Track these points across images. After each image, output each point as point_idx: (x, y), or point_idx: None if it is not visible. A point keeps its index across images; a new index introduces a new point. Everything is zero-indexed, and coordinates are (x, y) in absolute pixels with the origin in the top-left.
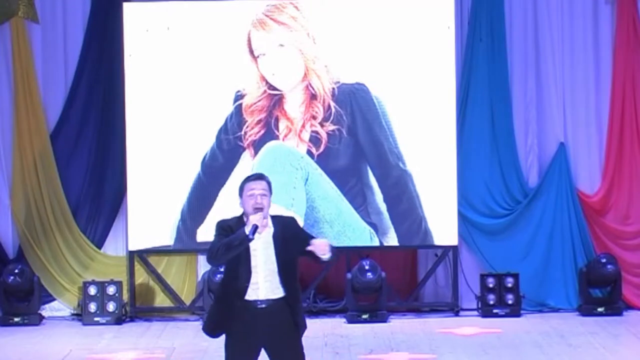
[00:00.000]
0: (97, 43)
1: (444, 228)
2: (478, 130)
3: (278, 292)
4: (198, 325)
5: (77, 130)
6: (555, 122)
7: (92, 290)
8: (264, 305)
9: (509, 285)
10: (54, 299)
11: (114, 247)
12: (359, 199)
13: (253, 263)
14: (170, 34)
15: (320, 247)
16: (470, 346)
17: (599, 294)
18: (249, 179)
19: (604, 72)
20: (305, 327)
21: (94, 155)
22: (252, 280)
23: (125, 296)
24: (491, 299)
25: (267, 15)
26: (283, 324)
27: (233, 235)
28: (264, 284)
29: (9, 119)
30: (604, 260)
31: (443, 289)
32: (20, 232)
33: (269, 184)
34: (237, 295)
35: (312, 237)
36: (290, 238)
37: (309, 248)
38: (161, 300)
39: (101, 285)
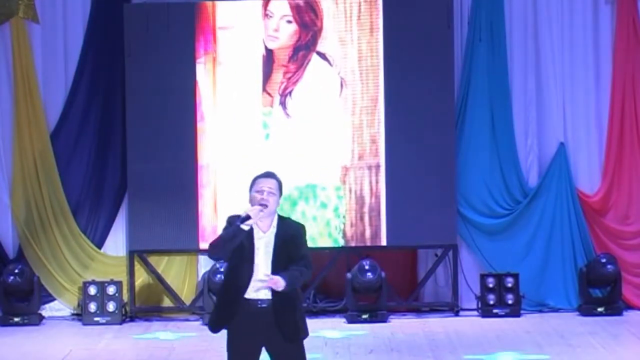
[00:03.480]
0: (97, 43)
1: (443, 228)
2: (478, 130)
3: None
4: (198, 325)
5: (77, 130)
6: (555, 122)
7: (92, 290)
8: (264, 305)
9: (509, 285)
10: (54, 299)
11: (114, 247)
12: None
13: (255, 261)
14: (170, 34)
15: (272, 283)
16: (470, 346)
17: (599, 294)
18: (260, 176)
19: (604, 72)
20: (304, 334)
21: (94, 155)
22: (253, 278)
23: (125, 296)
24: (491, 299)
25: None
26: (284, 325)
27: (230, 227)
28: (264, 283)
29: (9, 119)
30: (604, 260)
31: (443, 288)
32: (20, 232)
33: (279, 183)
34: (238, 292)
35: (304, 254)
36: (289, 242)
37: (267, 283)
38: (161, 300)
39: (101, 285)
